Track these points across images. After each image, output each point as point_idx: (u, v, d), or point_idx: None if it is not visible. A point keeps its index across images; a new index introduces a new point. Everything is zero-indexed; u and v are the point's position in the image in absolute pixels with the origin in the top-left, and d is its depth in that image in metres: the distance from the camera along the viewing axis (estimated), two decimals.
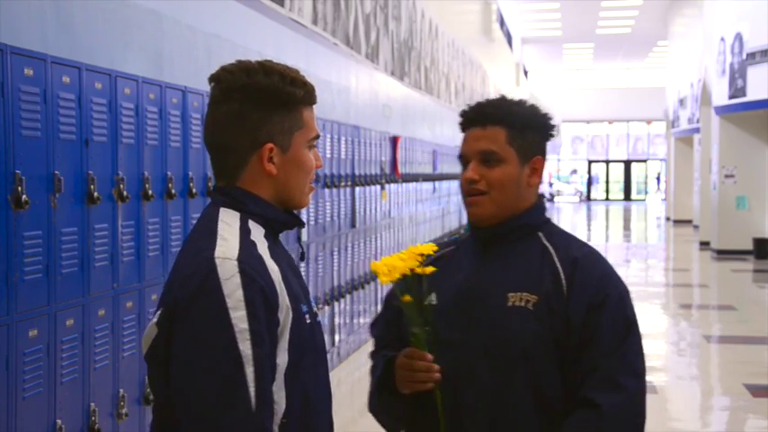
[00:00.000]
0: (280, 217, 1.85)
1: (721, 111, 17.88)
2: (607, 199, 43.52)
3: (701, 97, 21.17)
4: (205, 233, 1.77)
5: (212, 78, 1.83)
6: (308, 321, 1.81)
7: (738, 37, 17.07)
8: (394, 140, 10.12)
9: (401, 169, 10.33)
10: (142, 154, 4.20)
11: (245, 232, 1.77)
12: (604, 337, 2.07)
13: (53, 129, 3.49)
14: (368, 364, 2.33)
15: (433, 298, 2.16)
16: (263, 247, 1.77)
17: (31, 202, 3.31)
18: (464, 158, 2.19)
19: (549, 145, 2.27)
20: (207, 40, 5.23)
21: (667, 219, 28.39)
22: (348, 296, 8.06)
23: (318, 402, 1.84)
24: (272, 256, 1.78)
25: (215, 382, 1.65)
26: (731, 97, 17.33)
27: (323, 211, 7.23)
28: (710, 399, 7.53)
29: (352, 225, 8.26)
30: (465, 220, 2.43)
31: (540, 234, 2.20)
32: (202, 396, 1.65)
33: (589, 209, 37.05)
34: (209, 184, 4.86)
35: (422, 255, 2.10)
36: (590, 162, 43.76)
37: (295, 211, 1.93)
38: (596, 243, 21.64)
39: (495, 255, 2.18)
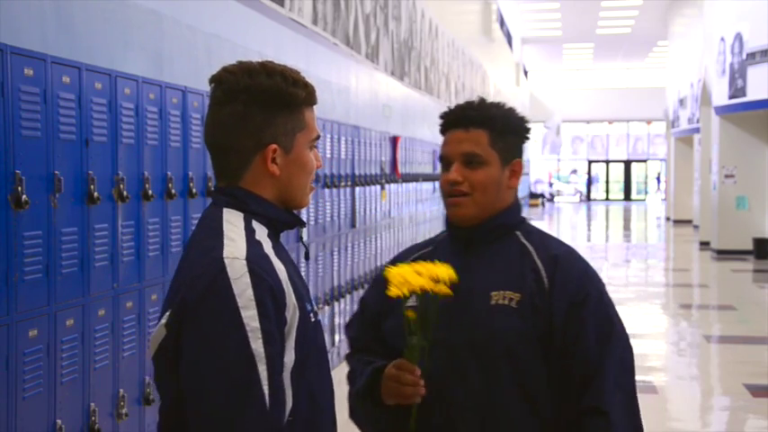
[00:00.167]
0: (282, 217, 1.86)
1: (721, 111, 17.88)
2: (607, 199, 43.51)
3: (701, 97, 21.17)
4: (211, 234, 1.77)
5: (213, 79, 1.84)
6: (313, 320, 1.82)
7: (738, 37, 17.07)
8: (394, 140, 10.12)
9: (401, 169, 10.33)
10: (142, 154, 4.20)
11: (250, 232, 1.78)
12: (590, 337, 2.11)
13: (53, 129, 3.49)
14: None
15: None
16: (268, 247, 1.78)
17: (31, 202, 3.31)
18: (446, 160, 2.22)
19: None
20: (207, 40, 5.22)
21: (667, 219, 28.39)
22: (348, 296, 8.06)
23: (323, 400, 1.84)
24: (277, 255, 1.79)
25: (228, 381, 1.65)
26: (731, 97, 17.33)
27: (323, 211, 7.23)
28: (710, 399, 7.53)
29: (352, 225, 8.26)
30: None
31: (518, 233, 2.23)
32: (216, 396, 1.65)
33: (589, 209, 37.05)
34: (210, 184, 4.86)
35: (437, 278, 2.03)
36: (590, 162, 43.75)
37: (295, 211, 1.94)
38: (596, 243, 21.65)
39: (475, 255, 2.20)
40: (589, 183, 44.16)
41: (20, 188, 3.25)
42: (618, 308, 2.24)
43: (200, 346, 1.68)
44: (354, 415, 2.26)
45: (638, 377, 2.25)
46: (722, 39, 17.96)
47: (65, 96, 3.57)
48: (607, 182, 44.16)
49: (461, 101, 2.31)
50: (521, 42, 34.91)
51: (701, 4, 21.13)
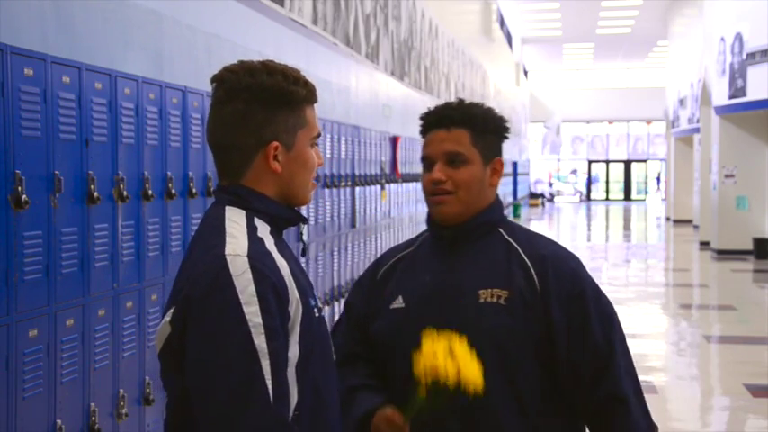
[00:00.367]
0: (284, 214, 1.88)
1: (721, 111, 17.88)
2: (607, 199, 43.51)
3: (701, 97, 21.17)
4: (213, 232, 1.80)
5: (215, 79, 1.86)
6: (317, 315, 1.84)
7: (738, 37, 17.07)
8: (394, 140, 10.12)
9: (401, 169, 10.33)
10: (142, 154, 4.20)
11: (252, 229, 1.80)
12: (596, 329, 2.15)
13: (53, 129, 3.49)
14: None
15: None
16: (270, 244, 1.80)
17: (31, 202, 3.30)
18: (428, 160, 2.24)
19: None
20: (207, 40, 5.22)
21: (667, 219, 28.38)
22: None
23: (328, 394, 1.86)
24: (280, 251, 1.81)
25: (232, 376, 1.67)
26: (731, 97, 17.33)
27: (323, 211, 7.23)
28: (710, 399, 7.53)
29: (352, 225, 8.26)
30: None
31: (501, 230, 2.25)
32: (220, 391, 1.67)
33: (589, 209, 37.04)
34: (210, 184, 4.86)
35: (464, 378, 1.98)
36: (590, 162, 43.75)
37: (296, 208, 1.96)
38: (596, 243, 21.65)
39: (460, 253, 2.22)
40: (589, 183, 44.16)
41: (20, 188, 3.25)
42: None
43: (203, 342, 1.70)
44: None
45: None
46: (722, 39, 17.96)
47: (65, 96, 3.57)
48: (607, 182, 44.16)
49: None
50: (521, 42, 34.92)
51: (701, 4, 21.13)
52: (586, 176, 44.13)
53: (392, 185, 10.02)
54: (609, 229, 27.74)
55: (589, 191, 43.94)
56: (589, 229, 26.82)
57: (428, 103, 13.65)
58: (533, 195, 38.38)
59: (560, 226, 27.73)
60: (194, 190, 4.69)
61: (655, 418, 2.22)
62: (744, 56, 16.79)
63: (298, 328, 1.77)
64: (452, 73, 17.34)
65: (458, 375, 1.95)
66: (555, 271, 2.16)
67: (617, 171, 43.90)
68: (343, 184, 7.80)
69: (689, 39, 24.25)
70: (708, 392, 7.74)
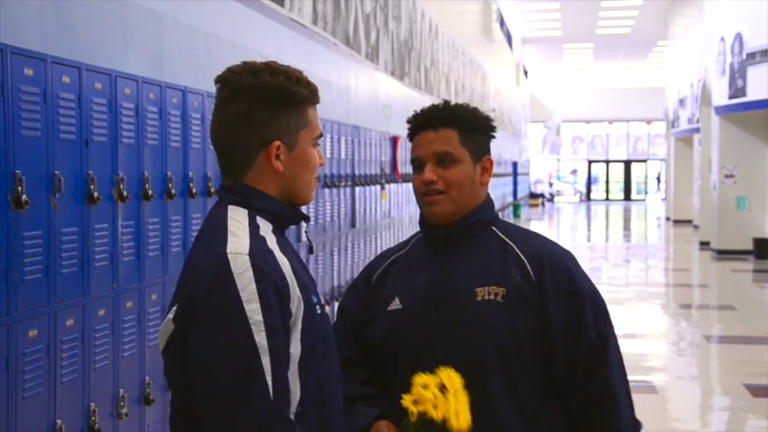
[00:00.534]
0: (286, 212, 1.91)
1: (721, 111, 17.88)
2: (607, 199, 43.51)
3: (701, 97, 21.17)
4: (216, 230, 1.83)
5: (218, 80, 1.89)
6: (319, 312, 1.87)
7: (738, 37, 17.07)
8: (394, 140, 10.12)
9: (401, 169, 10.33)
10: (142, 154, 4.20)
11: (254, 228, 1.83)
12: (591, 326, 2.17)
13: (53, 129, 3.49)
14: None
15: None
16: (272, 242, 1.83)
17: (31, 202, 3.30)
18: (418, 161, 2.26)
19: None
20: (207, 40, 5.22)
21: (667, 219, 28.38)
22: None
23: (332, 391, 1.89)
24: (282, 249, 1.84)
25: (233, 373, 1.70)
26: (731, 97, 17.33)
27: (323, 211, 7.23)
28: (710, 399, 7.53)
29: (352, 225, 8.26)
30: None
31: (494, 228, 2.27)
32: (221, 387, 1.70)
33: (589, 209, 37.04)
34: (210, 184, 4.86)
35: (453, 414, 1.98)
36: (590, 162, 43.75)
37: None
38: (596, 243, 21.65)
39: (455, 252, 2.23)
40: (589, 183, 44.16)
41: (20, 188, 3.25)
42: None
43: (205, 339, 1.73)
44: None
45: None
46: (722, 39, 17.96)
47: (65, 96, 3.57)
48: (607, 182, 44.16)
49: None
50: (521, 42, 34.92)
51: (701, 4, 21.13)
52: (586, 176, 44.12)
53: (392, 185, 10.02)
54: (609, 229, 27.74)
55: (589, 191, 43.93)
56: (589, 230, 26.82)
57: (428, 103, 13.63)
58: (533, 195, 38.38)
59: (560, 226, 27.73)
60: (194, 190, 4.69)
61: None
62: (744, 56, 16.78)
63: (299, 325, 1.79)
64: (452, 73, 17.34)
65: (447, 411, 1.96)
66: (551, 268, 2.18)
67: (617, 171, 43.90)
68: (343, 184, 7.80)
69: (689, 39, 24.25)
70: (708, 392, 7.74)
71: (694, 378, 8.24)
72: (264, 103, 1.84)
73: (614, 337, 2.21)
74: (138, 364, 4.12)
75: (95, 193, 3.75)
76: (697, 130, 22.24)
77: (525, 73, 38.26)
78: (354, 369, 2.23)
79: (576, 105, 41.19)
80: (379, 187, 9.29)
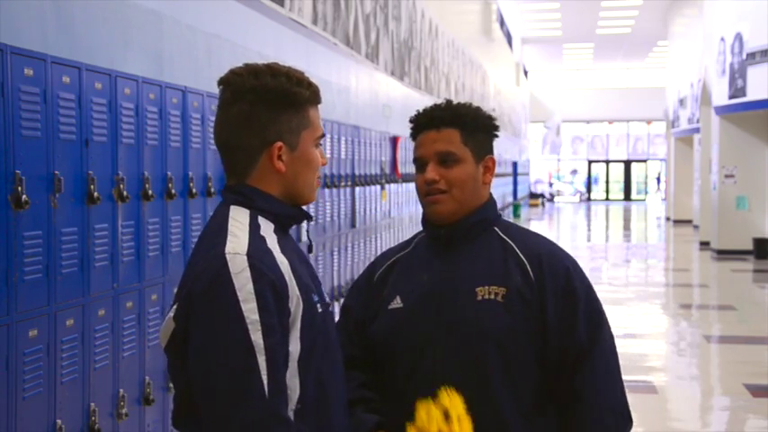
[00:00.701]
0: (288, 212, 1.94)
1: (721, 111, 17.88)
2: (607, 199, 43.51)
3: (701, 97, 21.17)
4: (217, 231, 1.86)
5: (221, 81, 1.92)
6: (320, 310, 1.89)
7: (738, 37, 17.07)
8: (394, 140, 10.12)
9: (401, 169, 10.33)
10: (142, 154, 4.20)
11: (255, 228, 1.86)
12: (581, 327, 2.16)
13: (53, 129, 3.49)
14: None
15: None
16: (272, 242, 1.86)
17: (31, 202, 3.30)
18: (420, 161, 2.26)
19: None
20: (207, 40, 5.22)
21: (667, 219, 28.38)
22: None
23: (333, 389, 1.91)
24: (282, 249, 1.86)
25: (229, 372, 1.74)
26: (731, 97, 17.33)
27: (323, 211, 7.23)
28: (710, 399, 7.53)
29: (352, 225, 8.26)
30: None
31: (496, 228, 2.27)
32: (218, 385, 1.74)
33: (589, 209, 37.04)
34: (210, 183, 4.86)
35: None
36: (590, 162, 43.74)
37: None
38: (596, 243, 21.65)
39: (456, 252, 2.24)
40: (589, 183, 44.16)
41: (20, 188, 3.25)
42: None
43: (203, 337, 1.77)
44: None
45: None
46: (722, 39, 17.96)
47: (65, 96, 3.57)
48: (607, 182, 44.15)
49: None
50: (521, 42, 34.92)
51: (701, 4, 21.12)
52: (586, 176, 44.12)
53: (392, 185, 10.02)
54: (609, 229, 27.74)
55: (589, 191, 43.93)
56: (589, 229, 26.82)
57: (428, 103, 13.63)
58: (533, 195, 38.38)
59: (560, 226, 27.73)
60: (194, 190, 4.69)
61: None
62: (744, 56, 16.78)
63: (299, 324, 1.82)
64: (452, 73, 17.34)
65: None
66: (550, 268, 2.18)
67: (617, 171, 43.90)
68: (343, 184, 7.80)
69: (689, 39, 24.25)
70: (708, 392, 7.74)
71: (694, 378, 8.24)
72: (266, 105, 1.87)
73: (606, 341, 2.19)
74: (138, 364, 4.12)
75: (95, 193, 3.75)
76: (697, 130, 22.24)
77: (525, 73, 38.26)
78: (355, 371, 2.23)
79: (576, 105, 41.18)
80: (379, 187, 9.29)
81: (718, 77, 18.08)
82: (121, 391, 3.96)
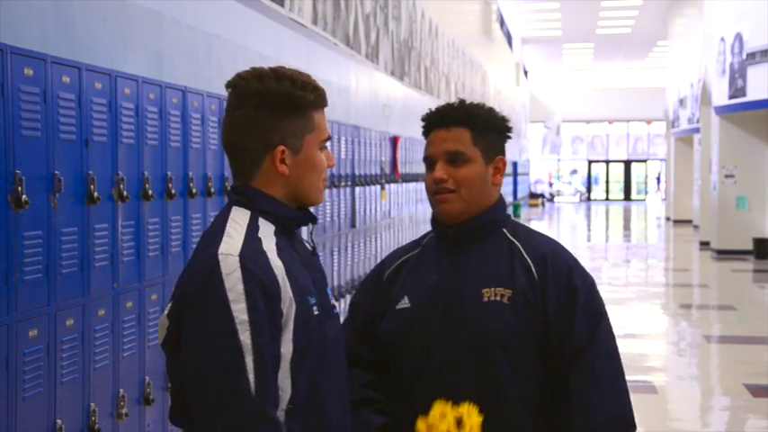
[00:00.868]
0: (291, 214, 1.95)
1: (721, 111, 17.88)
2: (607, 199, 43.50)
3: (701, 97, 21.17)
4: (215, 231, 1.90)
5: (228, 85, 1.95)
6: (317, 313, 1.90)
7: (738, 37, 17.07)
8: (394, 140, 10.12)
9: (401, 169, 10.33)
10: (142, 154, 4.20)
11: (253, 229, 1.89)
12: (579, 327, 2.15)
13: (53, 129, 3.49)
14: None
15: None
16: (269, 244, 1.88)
17: (31, 202, 3.30)
18: (430, 160, 2.26)
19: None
20: (207, 40, 5.22)
21: (667, 219, 28.38)
22: (348, 296, 8.05)
23: (329, 390, 1.92)
24: (280, 251, 1.88)
25: (217, 370, 1.77)
26: (731, 97, 17.33)
27: (323, 211, 7.23)
28: (710, 399, 7.53)
29: (352, 225, 8.25)
30: None
31: (504, 230, 2.27)
32: (206, 383, 1.78)
33: (589, 209, 37.04)
34: (210, 183, 4.86)
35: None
36: (590, 162, 43.74)
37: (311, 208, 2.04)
38: (596, 243, 21.65)
39: (464, 253, 2.24)
40: (589, 183, 44.16)
41: (20, 188, 3.25)
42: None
43: (194, 336, 1.80)
44: None
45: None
46: (722, 39, 17.95)
47: (65, 96, 3.57)
48: (607, 182, 44.15)
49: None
50: (521, 42, 34.91)
51: (701, 4, 21.12)
52: (586, 176, 44.11)
53: (392, 185, 10.02)
54: (609, 228, 27.74)
55: (589, 191, 43.92)
56: (589, 229, 26.82)
57: (428, 103, 13.65)
58: (533, 195, 38.38)
59: (560, 226, 27.72)
60: (194, 190, 4.69)
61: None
62: (744, 56, 16.78)
63: (291, 325, 1.84)
64: (452, 73, 17.34)
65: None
66: (553, 267, 2.19)
67: (617, 171, 43.89)
68: (343, 184, 7.80)
69: (689, 39, 24.24)
70: (708, 392, 7.74)
71: (694, 378, 8.24)
72: (269, 109, 1.89)
73: (603, 342, 2.16)
74: (138, 364, 4.12)
75: (95, 193, 3.75)
76: (697, 130, 22.24)
77: (525, 73, 38.25)
78: (359, 369, 2.23)
79: (576, 105, 41.18)
80: (378, 187, 9.29)
81: (718, 77, 18.08)
82: (121, 391, 3.96)
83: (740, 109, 17.11)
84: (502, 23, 27.35)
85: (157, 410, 4.27)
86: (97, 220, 3.81)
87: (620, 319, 10.28)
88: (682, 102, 25.17)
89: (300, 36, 7.15)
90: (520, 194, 32.68)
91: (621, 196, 43.53)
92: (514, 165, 30.57)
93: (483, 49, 22.70)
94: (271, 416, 1.78)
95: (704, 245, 19.28)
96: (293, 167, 1.92)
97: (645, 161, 43.30)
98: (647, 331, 10.01)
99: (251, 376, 1.76)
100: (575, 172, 44.88)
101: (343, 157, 7.80)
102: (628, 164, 43.19)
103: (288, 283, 1.84)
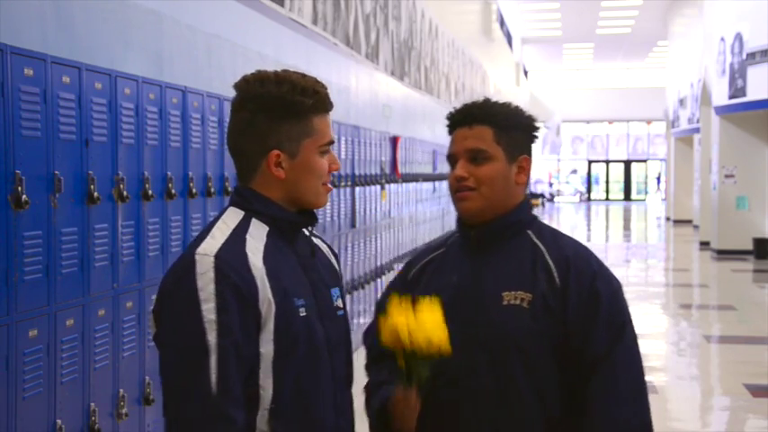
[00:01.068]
0: (287, 217, 1.96)
1: (721, 111, 17.88)
2: (607, 199, 43.51)
3: (701, 97, 21.17)
4: (204, 231, 1.92)
5: (234, 87, 1.97)
6: (303, 315, 1.90)
7: (738, 37, 17.07)
8: (394, 140, 10.12)
9: (401, 169, 10.33)
10: (142, 154, 4.20)
11: (240, 230, 1.90)
12: (601, 333, 2.12)
13: (53, 129, 3.49)
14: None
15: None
16: (256, 245, 1.90)
17: (31, 202, 3.31)
18: (452, 158, 2.24)
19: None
20: (207, 40, 5.22)
21: (667, 219, 28.39)
22: (348, 296, 8.06)
23: (319, 392, 1.92)
24: (268, 253, 1.89)
25: (182, 367, 1.81)
26: (731, 97, 17.33)
27: (323, 211, 7.23)
28: (710, 399, 7.53)
29: (352, 225, 8.25)
30: None
31: (529, 232, 2.24)
32: (172, 380, 1.83)
33: (589, 209, 37.04)
34: (210, 183, 4.87)
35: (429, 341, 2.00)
36: (590, 162, 43.74)
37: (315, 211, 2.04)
38: (596, 243, 21.65)
39: (487, 254, 2.21)
40: (589, 183, 44.16)
41: (20, 188, 3.25)
42: None
43: (165, 333, 1.85)
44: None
45: None
46: (722, 39, 17.96)
47: (65, 96, 3.57)
48: (607, 182, 44.15)
49: (461, 101, 2.33)
50: (521, 42, 34.91)
51: (701, 4, 21.12)
52: (586, 176, 44.12)
53: (392, 185, 10.02)
54: (609, 228, 27.74)
55: (589, 191, 43.93)
56: (589, 230, 26.82)
57: (428, 103, 13.66)
58: (533, 195, 38.39)
59: (560, 226, 27.73)
60: (194, 190, 4.69)
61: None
62: (744, 56, 16.78)
63: (271, 326, 1.85)
64: (452, 73, 17.33)
65: (421, 340, 1.98)
66: (576, 270, 2.15)
67: (617, 171, 43.90)
68: (343, 184, 7.80)
69: (689, 39, 24.24)
70: (708, 392, 7.74)
71: (694, 378, 8.24)
72: (266, 113, 1.91)
73: (625, 351, 2.13)
74: (138, 364, 4.12)
75: (95, 193, 3.75)
76: (697, 130, 22.24)
77: (525, 73, 38.25)
78: (387, 362, 2.21)
79: (576, 105, 41.18)
80: (378, 187, 9.29)
81: (718, 77, 18.08)
82: (121, 391, 3.96)
83: (740, 109, 17.11)
84: (502, 23, 27.35)
85: (157, 410, 4.27)
86: (97, 220, 3.81)
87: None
88: (682, 102, 25.17)
89: (300, 36, 7.15)
90: None
91: (621, 196, 43.53)
92: None
93: (483, 49, 22.70)
94: (230, 415, 1.79)
95: (704, 245, 19.28)
96: (290, 171, 1.93)
97: (645, 161, 43.31)
98: (647, 331, 10.01)
99: (213, 375, 1.78)
100: (575, 172, 44.89)
101: (343, 157, 7.80)
102: (628, 164, 43.20)
103: (267, 285, 1.85)
